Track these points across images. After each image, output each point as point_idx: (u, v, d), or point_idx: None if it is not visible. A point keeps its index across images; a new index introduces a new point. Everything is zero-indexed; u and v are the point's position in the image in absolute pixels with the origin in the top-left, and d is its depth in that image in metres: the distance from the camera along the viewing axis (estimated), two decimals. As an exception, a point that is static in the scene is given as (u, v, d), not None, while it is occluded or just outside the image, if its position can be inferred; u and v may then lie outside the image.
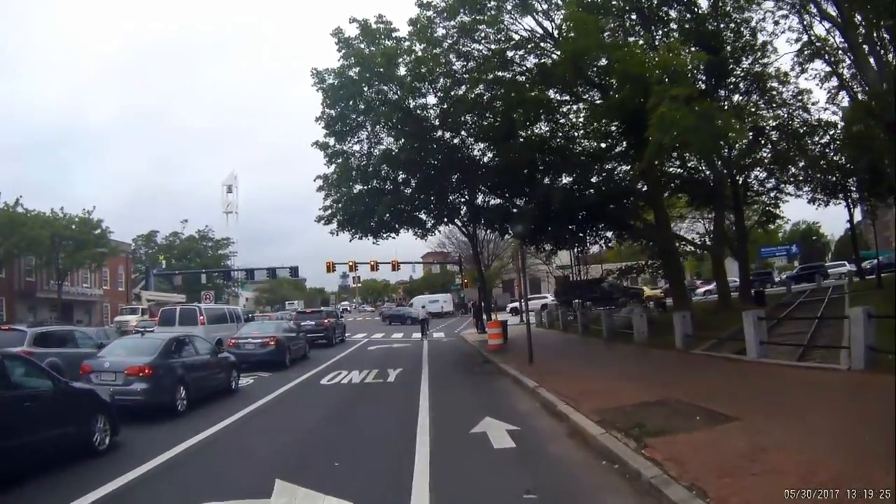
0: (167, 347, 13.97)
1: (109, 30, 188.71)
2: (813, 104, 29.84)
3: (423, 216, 27.85)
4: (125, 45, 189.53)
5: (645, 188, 23.84)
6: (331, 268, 70.96)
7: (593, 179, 23.55)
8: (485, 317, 35.54)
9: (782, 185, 33.25)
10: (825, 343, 16.49)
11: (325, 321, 33.45)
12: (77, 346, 17.31)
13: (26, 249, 41.24)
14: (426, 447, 9.19)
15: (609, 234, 25.85)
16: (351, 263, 72.01)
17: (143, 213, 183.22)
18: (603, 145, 23.68)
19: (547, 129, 23.68)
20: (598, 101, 21.44)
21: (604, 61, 19.98)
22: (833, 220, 79.07)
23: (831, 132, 30.02)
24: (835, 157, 31.12)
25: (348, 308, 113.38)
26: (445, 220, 28.68)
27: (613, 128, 21.94)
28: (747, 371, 13.76)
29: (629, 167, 23.48)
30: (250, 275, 78.14)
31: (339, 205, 24.69)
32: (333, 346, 32.32)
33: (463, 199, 27.34)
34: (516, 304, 60.58)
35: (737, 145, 30.31)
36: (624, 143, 21.59)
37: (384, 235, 27.08)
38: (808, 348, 16.17)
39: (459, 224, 29.37)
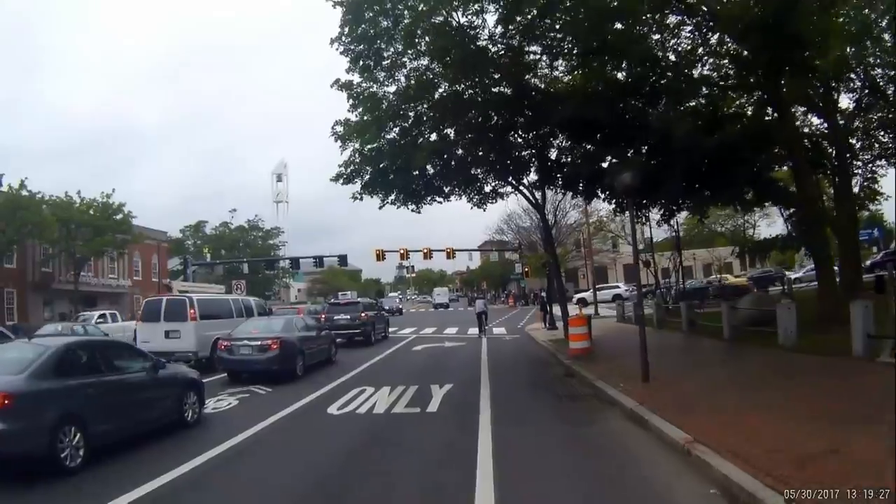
0: (50, 363, 8.38)
1: (155, 30, 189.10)
2: None
3: (480, 175, 21.22)
4: (171, 45, 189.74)
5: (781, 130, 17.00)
6: (380, 256, 65.95)
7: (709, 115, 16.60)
8: (553, 310, 29.41)
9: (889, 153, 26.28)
10: None
11: (363, 315, 27.53)
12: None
13: (30, 235, 37.02)
14: None
15: (742, 192, 18.69)
16: (402, 251, 66.83)
17: (199, 209, 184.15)
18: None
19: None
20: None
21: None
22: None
23: None
24: None
25: (399, 300, 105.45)
26: (510, 179, 22.01)
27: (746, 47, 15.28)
28: None
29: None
30: (295, 264, 73.23)
31: (365, 154, 18.42)
32: (372, 345, 26.64)
33: (531, 152, 20.64)
34: (585, 295, 53.93)
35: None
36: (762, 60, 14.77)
37: (427, 200, 20.62)
38: None
39: (526, 189, 22.67)
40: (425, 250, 67.29)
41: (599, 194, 18.78)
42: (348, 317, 27.08)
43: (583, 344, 16.85)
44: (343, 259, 68.01)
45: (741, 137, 14.76)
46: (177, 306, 19.88)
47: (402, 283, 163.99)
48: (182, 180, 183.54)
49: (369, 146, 17.80)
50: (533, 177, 21.51)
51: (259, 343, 16.26)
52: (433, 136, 18.13)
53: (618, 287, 57.98)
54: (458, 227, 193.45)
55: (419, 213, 20.58)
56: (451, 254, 68.66)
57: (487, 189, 21.89)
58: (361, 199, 18.90)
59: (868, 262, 54.23)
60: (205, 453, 8.63)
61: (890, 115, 23.67)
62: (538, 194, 22.61)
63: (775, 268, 63.96)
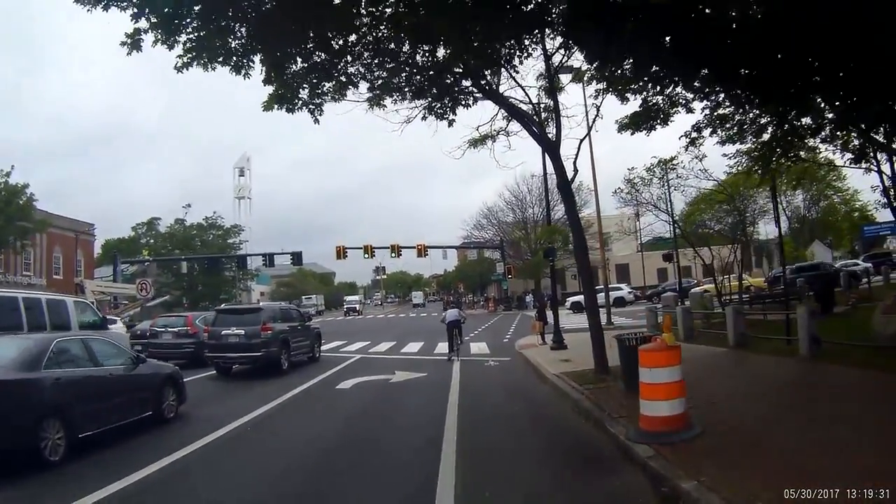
0: None
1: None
2: None
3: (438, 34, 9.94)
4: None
5: None
6: (342, 253, 56.98)
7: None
8: (557, 317, 20.46)
9: None
10: None
11: (266, 327, 17.28)
12: None
13: None
14: None
15: None
16: (367, 247, 57.67)
17: (195, 209, 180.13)
18: None
19: None
20: None
21: None
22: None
23: None
24: None
25: (358, 306, 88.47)
26: (509, 48, 11.18)
27: None
28: None
29: None
30: (242, 262, 64.13)
31: None
32: (284, 374, 17.30)
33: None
34: (580, 299, 45.01)
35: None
36: None
37: (308, 72, 10.15)
38: None
39: (529, 121, 12.95)
40: (394, 246, 58.26)
41: (707, 73, 8.97)
42: (242, 332, 17.07)
43: (674, 407, 7.41)
44: (297, 257, 58.55)
45: None
46: None
47: (377, 288, 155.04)
48: (179, 178, 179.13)
49: None
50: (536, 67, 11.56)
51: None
52: None
53: (620, 289, 49.38)
54: (436, 226, 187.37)
55: (316, 119, 10.52)
56: (422, 251, 59.52)
57: (449, 80, 11.80)
58: (140, 48, 8.85)
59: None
60: None
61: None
62: (553, 129, 12.84)
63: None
